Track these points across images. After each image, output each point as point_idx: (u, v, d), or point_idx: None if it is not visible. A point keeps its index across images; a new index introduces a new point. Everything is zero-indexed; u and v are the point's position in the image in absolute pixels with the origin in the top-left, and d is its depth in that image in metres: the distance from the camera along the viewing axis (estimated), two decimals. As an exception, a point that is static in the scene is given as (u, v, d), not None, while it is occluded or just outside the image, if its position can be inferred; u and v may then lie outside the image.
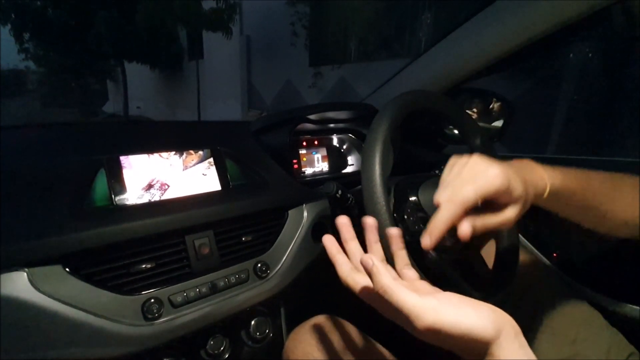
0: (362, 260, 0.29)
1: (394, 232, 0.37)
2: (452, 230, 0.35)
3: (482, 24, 0.68)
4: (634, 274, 0.63)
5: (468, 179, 0.35)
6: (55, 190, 0.45)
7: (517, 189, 0.35)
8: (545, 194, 0.37)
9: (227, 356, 0.56)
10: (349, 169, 0.91)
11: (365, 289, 0.31)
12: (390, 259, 0.38)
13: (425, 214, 0.54)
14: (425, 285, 0.33)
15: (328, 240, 0.37)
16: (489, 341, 0.25)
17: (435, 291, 0.31)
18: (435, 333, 0.25)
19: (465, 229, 0.34)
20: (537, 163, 0.39)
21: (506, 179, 0.34)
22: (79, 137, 0.60)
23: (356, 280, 0.32)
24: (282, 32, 5.66)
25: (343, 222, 0.39)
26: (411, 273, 0.36)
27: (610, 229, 0.42)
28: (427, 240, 0.34)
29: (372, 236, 0.38)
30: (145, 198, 0.51)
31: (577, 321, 0.59)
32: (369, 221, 0.38)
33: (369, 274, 0.28)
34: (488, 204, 0.36)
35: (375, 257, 0.34)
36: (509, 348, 0.25)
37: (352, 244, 0.38)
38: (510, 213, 0.36)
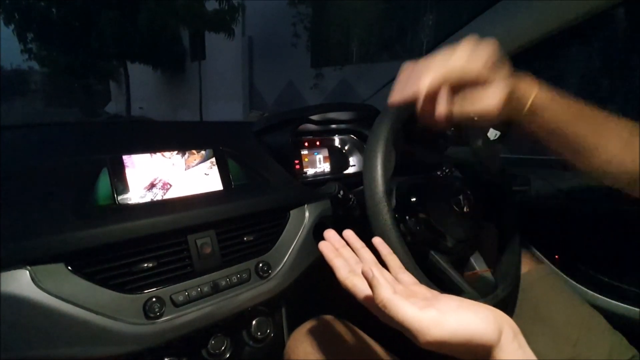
0: (363, 271, 0.29)
1: (377, 240, 0.39)
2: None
3: (484, 25, 0.68)
4: (636, 275, 0.62)
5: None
6: (58, 189, 0.46)
7: (496, 71, 0.34)
8: (528, 104, 0.36)
9: (228, 356, 0.56)
10: (350, 170, 0.91)
11: (365, 294, 0.32)
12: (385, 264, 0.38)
13: (426, 214, 0.54)
14: (422, 289, 0.33)
15: (324, 247, 0.38)
16: (492, 344, 0.25)
17: (433, 296, 0.31)
18: (439, 345, 0.25)
19: (441, 108, 0.34)
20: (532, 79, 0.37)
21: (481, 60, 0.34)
22: (81, 137, 0.60)
23: (355, 283, 0.33)
24: (284, 34, 5.67)
25: (330, 235, 0.40)
26: (406, 277, 0.36)
27: (592, 167, 0.39)
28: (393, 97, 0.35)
29: (357, 243, 0.39)
30: (147, 197, 0.51)
31: (578, 323, 0.59)
32: (348, 233, 0.40)
33: (370, 286, 0.29)
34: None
35: (370, 263, 0.35)
36: (509, 349, 0.25)
37: (345, 250, 0.38)
38: (491, 99, 0.34)
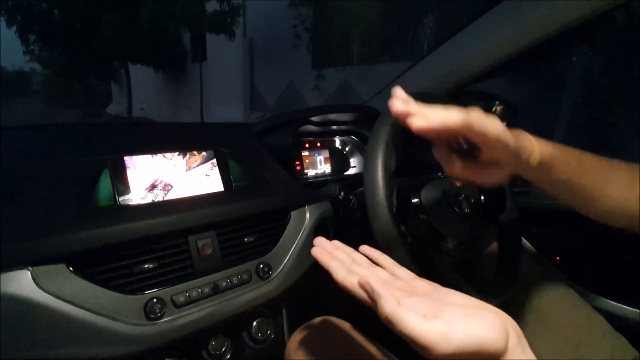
0: (360, 284, 0.29)
1: (364, 248, 0.40)
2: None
3: (486, 26, 0.68)
4: (637, 276, 0.62)
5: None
6: (59, 190, 0.46)
7: (510, 139, 0.33)
8: (535, 162, 0.36)
9: (228, 357, 0.56)
10: (351, 171, 0.91)
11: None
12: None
13: (427, 215, 0.54)
14: (422, 282, 0.33)
15: (317, 252, 0.38)
16: (500, 352, 0.25)
17: (435, 289, 0.31)
18: (447, 357, 0.24)
19: (452, 162, 0.35)
20: (529, 133, 0.37)
21: (500, 128, 0.33)
22: (83, 138, 0.60)
23: (354, 283, 0.33)
24: (284, 35, 5.68)
25: (320, 241, 0.40)
26: (403, 272, 0.36)
27: (600, 214, 0.41)
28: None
29: (346, 249, 0.39)
30: (148, 198, 0.51)
31: (580, 325, 0.59)
32: (335, 243, 0.40)
33: (371, 300, 0.28)
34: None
35: (362, 266, 0.35)
36: (514, 353, 0.25)
37: (338, 253, 0.38)
38: (498, 175, 0.35)
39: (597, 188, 0.39)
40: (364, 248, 0.40)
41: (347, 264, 0.36)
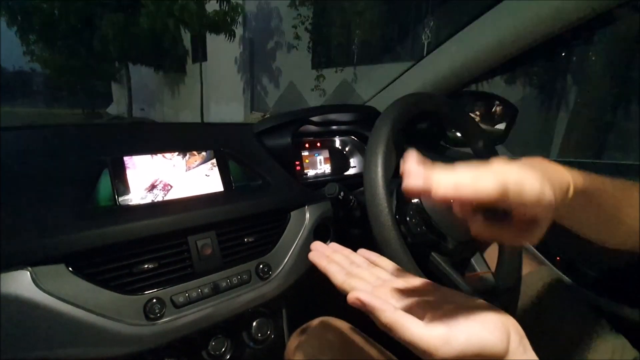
0: (350, 302, 0.27)
1: (362, 251, 0.39)
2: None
3: (485, 26, 0.68)
4: (637, 277, 0.62)
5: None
6: (59, 190, 0.46)
7: (549, 195, 0.26)
8: (570, 193, 0.30)
9: (228, 357, 0.56)
10: (351, 171, 0.91)
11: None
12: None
13: (427, 216, 0.54)
14: (422, 283, 0.33)
15: (314, 256, 0.37)
16: (502, 355, 0.24)
17: (435, 289, 0.31)
18: None
19: (476, 222, 0.29)
20: (551, 161, 0.31)
21: (540, 184, 0.25)
22: (83, 138, 0.60)
23: (353, 286, 0.32)
24: (284, 35, 5.69)
25: (316, 245, 0.39)
26: (401, 273, 0.36)
27: (621, 240, 0.37)
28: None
29: (344, 251, 0.39)
30: (148, 198, 0.51)
31: (580, 325, 0.59)
32: (332, 245, 0.40)
33: (368, 313, 0.27)
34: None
35: (361, 268, 0.35)
36: (515, 354, 0.25)
37: (336, 255, 0.38)
38: (535, 230, 0.28)
39: (618, 214, 0.35)
40: (362, 252, 0.39)
41: (345, 266, 0.36)
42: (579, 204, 0.31)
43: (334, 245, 0.40)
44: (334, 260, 0.37)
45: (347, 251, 0.39)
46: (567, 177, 0.30)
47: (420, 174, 0.24)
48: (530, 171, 0.26)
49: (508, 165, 0.25)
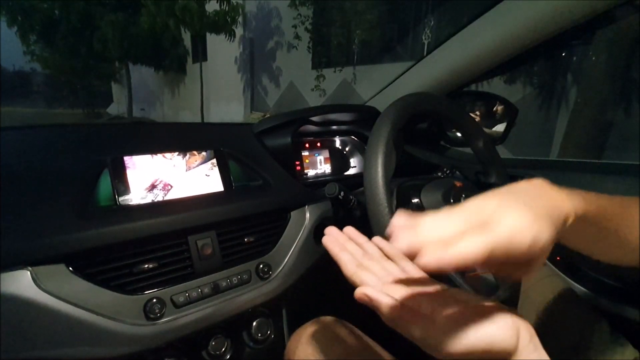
0: (358, 298, 0.28)
1: (377, 239, 0.38)
2: None
3: (485, 26, 0.68)
4: (637, 277, 0.62)
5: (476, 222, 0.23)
6: (59, 190, 0.46)
7: (543, 237, 0.24)
8: (569, 223, 0.28)
9: (228, 357, 0.56)
10: (351, 171, 0.91)
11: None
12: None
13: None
14: (432, 282, 0.33)
15: (328, 241, 0.37)
16: (511, 351, 0.24)
17: (443, 289, 0.31)
18: (457, 357, 0.24)
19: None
20: (552, 185, 0.29)
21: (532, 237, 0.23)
22: (83, 138, 0.60)
23: (363, 279, 0.32)
24: (284, 35, 5.69)
25: (332, 230, 0.39)
26: (410, 267, 0.35)
27: (621, 257, 0.35)
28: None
29: (359, 238, 0.38)
30: (148, 198, 0.51)
31: (580, 325, 0.59)
32: (348, 229, 0.39)
33: (374, 309, 0.27)
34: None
35: (373, 260, 0.34)
36: (525, 351, 0.25)
37: (350, 245, 0.37)
38: (535, 265, 0.26)
39: (620, 232, 0.34)
40: (377, 240, 0.38)
41: (357, 256, 0.35)
42: (579, 228, 0.30)
43: (349, 230, 0.39)
44: (347, 249, 0.36)
45: (363, 239, 0.38)
46: (566, 207, 0.28)
47: (406, 239, 0.22)
48: (522, 216, 0.23)
49: (496, 222, 0.23)
